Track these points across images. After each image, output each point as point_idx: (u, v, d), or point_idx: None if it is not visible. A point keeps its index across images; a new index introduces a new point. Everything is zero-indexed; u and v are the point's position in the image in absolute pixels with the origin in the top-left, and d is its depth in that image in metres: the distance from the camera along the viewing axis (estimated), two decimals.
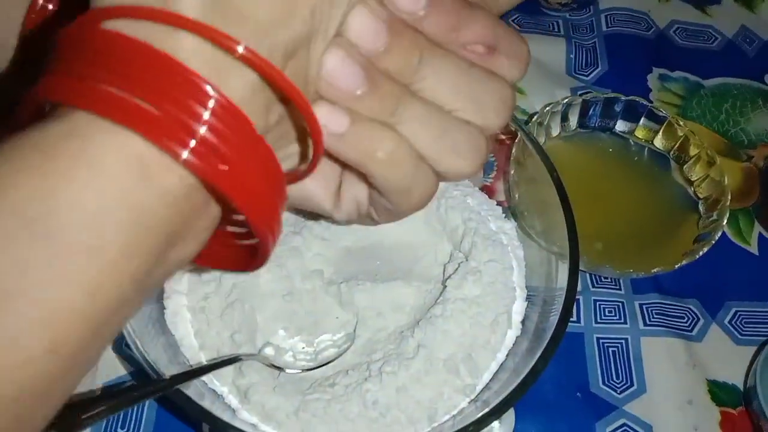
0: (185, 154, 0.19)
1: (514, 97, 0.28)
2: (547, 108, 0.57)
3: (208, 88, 0.20)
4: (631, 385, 0.50)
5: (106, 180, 0.19)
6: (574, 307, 0.52)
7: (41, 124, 0.20)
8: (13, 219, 0.18)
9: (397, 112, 0.25)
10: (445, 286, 0.47)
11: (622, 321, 0.53)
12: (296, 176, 0.25)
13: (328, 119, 0.24)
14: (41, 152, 0.19)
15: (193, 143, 0.19)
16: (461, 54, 0.27)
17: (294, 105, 0.23)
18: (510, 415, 0.48)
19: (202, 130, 0.20)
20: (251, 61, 0.21)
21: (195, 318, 0.45)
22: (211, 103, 0.20)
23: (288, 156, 0.26)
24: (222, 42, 0.20)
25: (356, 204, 0.29)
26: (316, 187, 0.28)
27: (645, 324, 0.53)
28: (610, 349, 0.52)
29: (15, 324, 0.18)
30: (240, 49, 0.20)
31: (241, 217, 0.23)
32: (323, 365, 0.45)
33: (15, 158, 0.19)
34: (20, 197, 0.19)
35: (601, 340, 0.52)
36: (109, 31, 0.20)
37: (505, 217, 0.52)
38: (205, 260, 0.26)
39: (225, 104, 0.20)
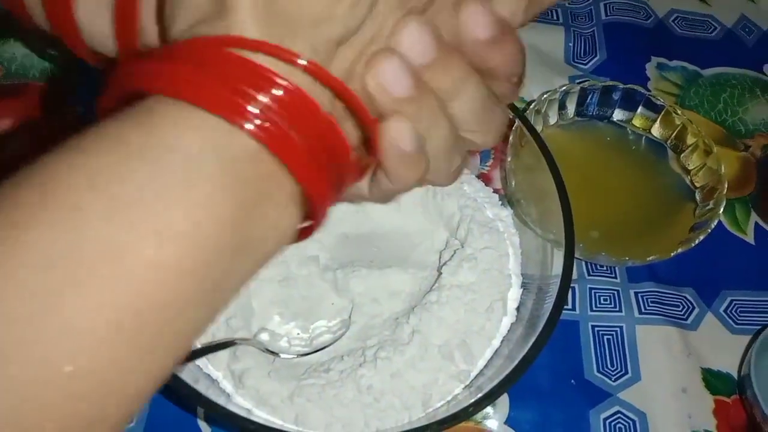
0: (248, 126, 0.22)
1: (507, 120, 0.31)
2: (545, 96, 0.57)
3: (277, 79, 0.23)
4: (626, 372, 0.50)
5: (199, 128, 0.22)
6: (570, 294, 0.52)
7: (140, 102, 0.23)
8: (126, 158, 0.22)
9: (428, 128, 0.27)
10: (441, 273, 0.47)
11: (618, 309, 0.53)
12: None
13: (399, 139, 0.26)
14: (149, 111, 0.23)
15: (256, 119, 0.23)
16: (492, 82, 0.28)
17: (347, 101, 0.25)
18: (504, 402, 0.48)
19: (263, 107, 0.23)
20: (309, 69, 0.23)
21: None
22: (276, 88, 0.23)
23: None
24: (281, 56, 0.23)
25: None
26: None
27: (640, 312, 0.53)
28: (605, 337, 0.52)
29: (125, 240, 0.21)
30: (301, 62, 0.23)
31: None
32: (318, 351, 0.45)
33: (128, 116, 0.23)
34: (133, 141, 0.22)
35: (596, 328, 0.52)
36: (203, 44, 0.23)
37: (501, 204, 0.52)
38: None
39: (290, 87, 0.23)
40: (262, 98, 0.22)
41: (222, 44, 0.23)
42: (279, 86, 0.23)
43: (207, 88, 0.22)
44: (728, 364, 0.52)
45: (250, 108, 0.22)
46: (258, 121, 0.22)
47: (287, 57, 0.23)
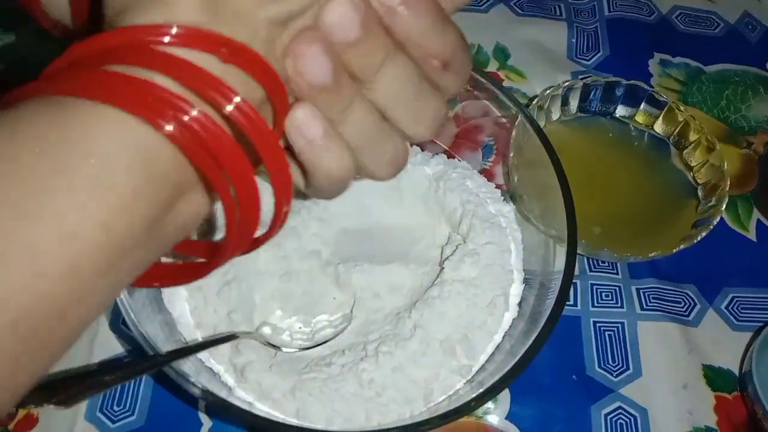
0: (169, 128, 0.22)
1: (446, 114, 0.29)
2: (548, 91, 0.57)
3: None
4: (627, 368, 0.50)
5: (117, 127, 0.21)
6: (572, 290, 0.52)
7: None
8: (35, 155, 0.21)
9: (344, 113, 0.26)
10: (443, 268, 0.47)
11: (619, 305, 0.53)
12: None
13: (307, 123, 0.25)
14: (60, 104, 0.21)
15: (175, 120, 0.22)
16: (418, 63, 0.27)
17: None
18: (505, 397, 0.48)
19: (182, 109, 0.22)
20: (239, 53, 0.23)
21: (192, 296, 0.45)
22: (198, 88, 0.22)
23: None
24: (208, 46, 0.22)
25: None
26: None
27: (642, 308, 0.53)
28: (607, 333, 0.52)
29: (34, 241, 0.20)
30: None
31: None
32: (320, 345, 0.45)
33: (36, 107, 0.22)
34: (42, 136, 0.21)
35: (597, 324, 0.52)
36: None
37: (503, 200, 0.52)
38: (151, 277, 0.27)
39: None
40: (182, 99, 0.22)
41: (147, 33, 0.22)
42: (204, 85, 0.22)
43: (123, 87, 0.21)
44: (729, 360, 0.52)
45: (168, 109, 0.21)
46: (176, 123, 0.22)
47: (209, 47, 0.22)
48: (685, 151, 0.58)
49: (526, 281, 0.48)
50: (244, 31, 0.23)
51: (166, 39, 0.22)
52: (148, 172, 0.22)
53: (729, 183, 0.54)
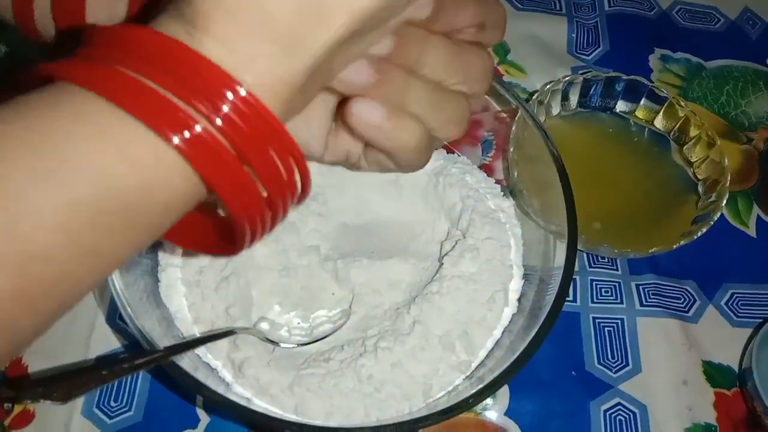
0: (176, 140, 0.22)
1: (492, 62, 0.33)
2: (548, 86, 0.57)
3: (228, 93, 0.22)
4: (627, 364, 0.50)
5: (155, 152, 0.22)
6: (571, 286, 0.52)
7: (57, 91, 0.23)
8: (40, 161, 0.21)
9: (405, 94, 0.29)
10: (442, 264, 0.47)
11: (619, 301, 0.53)
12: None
13: (367, 113, 0.28)
14: (71, 106, 0.22)
15: (187, 133, 0.22)
16: (456, 37, 0.30)
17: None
18: (504, 393, 0.48)
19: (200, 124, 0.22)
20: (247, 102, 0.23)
21: (190, 291, 0.44)
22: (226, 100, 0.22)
23: None
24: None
25: (346, 154, 0.32)
26: (303, 129, 0.30)
27: (641, 304, 0.53)
28: (606, 329, 0.52)
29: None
30: (242, 92, 0.22)
31: None
32: (318, 340, 0.45)
33: (75, 113, 0.22)
34: (77, 158, 0.21)
35: (597, 320, 0.52)
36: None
37: (503, 195, 0.52)
38: (183, 240, 0.29)
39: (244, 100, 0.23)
40: (204, 119, 0.22)
41: (218, 80, 0.22)
42: (226, 105, 0.22)
43: (149, 100, 0.22)
44: (729, 356, 0.52)
45: (221, 159, 0.22)
46: (192, 142, 0.22)
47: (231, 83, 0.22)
48: (685, 147, 0.58)
49: (525, 277, 0.48)
50: (305, 56, 0.24)
51: (230, 96, 0.22)
52: (177, 209, 0.24)
53: (729, 179, 0.53)
